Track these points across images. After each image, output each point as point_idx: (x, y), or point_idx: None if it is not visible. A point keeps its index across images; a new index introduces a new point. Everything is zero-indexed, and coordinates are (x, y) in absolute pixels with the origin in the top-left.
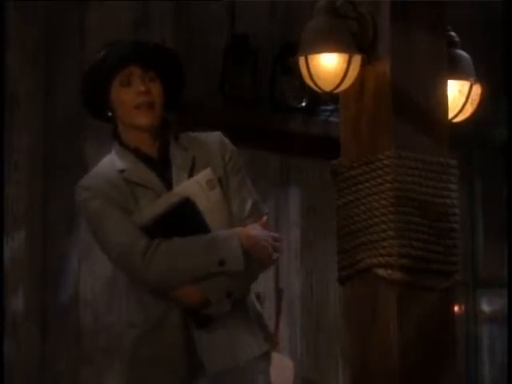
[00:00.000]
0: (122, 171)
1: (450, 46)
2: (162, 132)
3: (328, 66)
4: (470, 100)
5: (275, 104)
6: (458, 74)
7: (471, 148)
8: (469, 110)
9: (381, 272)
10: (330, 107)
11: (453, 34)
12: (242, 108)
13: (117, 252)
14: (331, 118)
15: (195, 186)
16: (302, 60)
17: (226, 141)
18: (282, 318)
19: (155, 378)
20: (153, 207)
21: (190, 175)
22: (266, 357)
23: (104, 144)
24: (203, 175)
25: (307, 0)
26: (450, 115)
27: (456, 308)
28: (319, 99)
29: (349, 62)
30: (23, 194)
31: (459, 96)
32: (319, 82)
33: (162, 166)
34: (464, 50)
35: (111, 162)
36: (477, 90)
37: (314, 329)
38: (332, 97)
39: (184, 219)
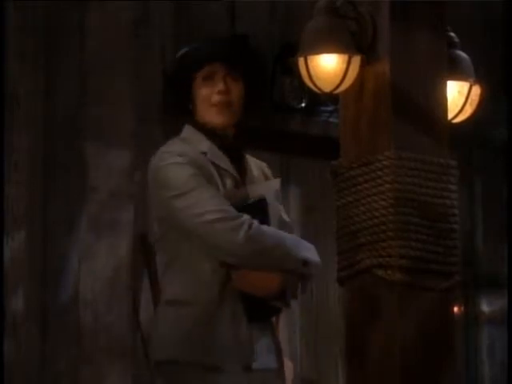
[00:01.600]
0: (204, 153)
1: (450, 47)
2: (238, 132)
3: (327, 66)
4: (469, 101)
5: (275, 104)
6: (458, 75)
7: (471, 148)
8: (468, 111)
9: (380, 273)
10: (329, 108)
11: (452, 34)
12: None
13: (214, 217)
14: (331, 119)
15: (267, 190)
16: (301, 61)
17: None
18: (282, 319)
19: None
20: (236, 194)
21: (257, 179)
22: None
23: (104, 144)
24: (275, 183)
25: (307, 0)
26: (450, 116)
27: (456, 308)
28: (319, 100)
29: (348, 63)
30: (23, 194)
31: (459, 97)
32: (318, 83)
33: (237, 161)
34: (464, 50)
35: (187, 145)
36: (476, 90)
37: (313, 329)
38: (331, 97)
39: (261, 216)
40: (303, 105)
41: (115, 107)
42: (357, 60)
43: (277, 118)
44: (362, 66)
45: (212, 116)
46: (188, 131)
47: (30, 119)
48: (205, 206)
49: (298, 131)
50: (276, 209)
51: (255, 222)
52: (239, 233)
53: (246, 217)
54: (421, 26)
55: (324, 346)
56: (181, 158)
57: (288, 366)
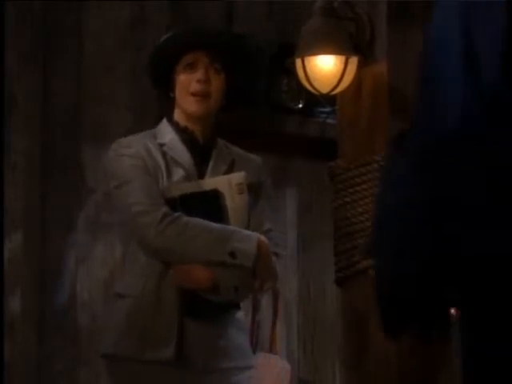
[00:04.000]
0: (162, 145)
1: None
2: (214, 125)
3: (325, 67)
4: None
5: (272, 105)
6: None
7: None
8: None
9: None
10: (327, 109)
11: None
12: (238, 108)
13: (136, 210)
14: (328, 120)
15: (225, 184)
16: (298, 62)
17: (263, 169)
18: (279, 319)
19: (148, 348)
20: (183, 186)
21: (225, 173)
22: (248, 371)
23: (101, 145)
24: (236, 176)
25: (304, 0)
26: None
27: (453, 310)
28: (316, 101)
29: (346, 64)
30: (21, 195)
31: None
32: (316, 84)
33: (202, 155)
34: None
35: (153, 135)
36: None
37: (310, 330)
38: (329, 98)
39: (209, 208)
40: (300, 106)
41: (112, 108)
42: (354, 61)
43: (274, 118)
44: (360, 67)
45: (189, 104)
46: (162, 124)
47: (27, 120)
48: (133, 197)
49: (295, 132)
50: (238, 201)
51: (173, 215)
52: (151, 228)
53: (163, 209)
54: (418, 26)
55: (321, 347)
56: (127, 149)
57: (285, 366)
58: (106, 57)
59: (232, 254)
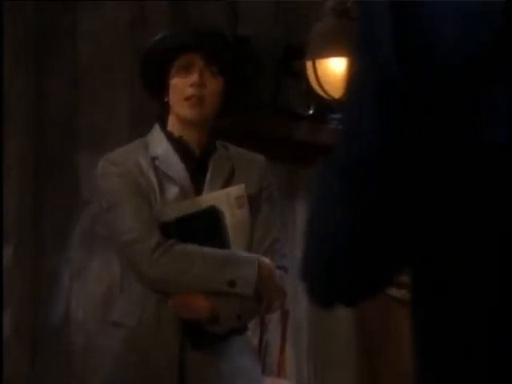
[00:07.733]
0: (154, 159)
1: None
2: (211, 131)
3: (337, 70)
4: None
5: (279, 109)
6: None
7: None
8: None
9: (393, 292)
10: (338, 115)
11: None
12: (244, 113)
13: (127, 238)
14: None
15: (224, 199)
16: (309, 64)
17: (267, 169)
18: (288, 341)
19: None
20: (178, 206)
21: (224, 186)
22: None
23: (97, 153)
24: (235, 190)
25: (312, 0)
26: None
27: None
28: (327, 106)
29: None
30: (14, 208)
31: None
32: (327, 88)
33: (198, 166)
34: None
35: (145, 146)
36: None
37: (321, 352)
38: (341, 103)
39: (207, 230)
40: (311, 112)
41: (110, 111)
42: None
43: (282, 124)
44: None
45: (183, 110)
46: (154, 131)
47: (21, 122)
48: (122, 224)
49: (305, 139)
50: (238, 216)
51: (166, 243)
52: (144, 258)
53: (156, 237)
54: None
55: (332, 370)
56: (115, 167)
57: None
58: (105, 58)
59: (231, 283)
